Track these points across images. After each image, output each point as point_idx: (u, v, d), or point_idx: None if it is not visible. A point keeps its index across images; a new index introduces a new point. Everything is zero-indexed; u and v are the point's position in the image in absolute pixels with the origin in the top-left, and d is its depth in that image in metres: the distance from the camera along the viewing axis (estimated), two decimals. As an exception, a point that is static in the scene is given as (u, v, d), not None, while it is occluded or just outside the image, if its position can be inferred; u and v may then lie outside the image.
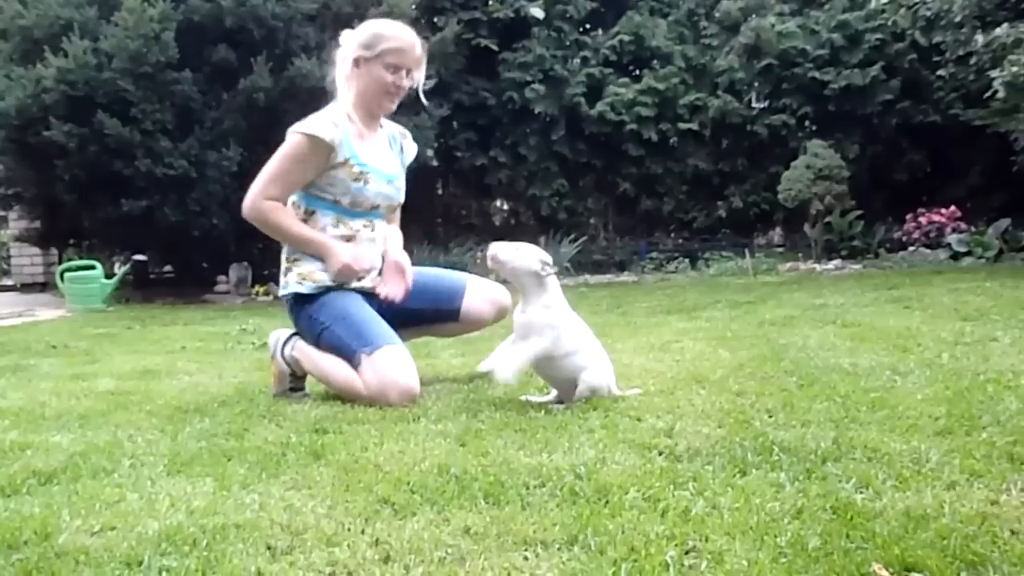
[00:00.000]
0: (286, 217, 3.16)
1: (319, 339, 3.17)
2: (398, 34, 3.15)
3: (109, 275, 9.34)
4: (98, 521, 1.84)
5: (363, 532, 1.74)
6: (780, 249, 12.14)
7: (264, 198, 3.13)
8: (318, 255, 3.16)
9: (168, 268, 11.64)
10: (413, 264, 3.38)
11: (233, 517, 1.83)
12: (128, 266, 10.07)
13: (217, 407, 3.08)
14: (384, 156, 3.33)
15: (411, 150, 3.51)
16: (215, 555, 1.63)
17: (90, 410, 3.11)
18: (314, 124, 3.10)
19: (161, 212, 8.63)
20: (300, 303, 3.22)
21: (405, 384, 2.97)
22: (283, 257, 3.27)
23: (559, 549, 1.62)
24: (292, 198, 3.22)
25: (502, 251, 2.86)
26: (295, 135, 3.11)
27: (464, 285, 3.49)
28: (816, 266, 10.01)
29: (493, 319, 3.51)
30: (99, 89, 8.35)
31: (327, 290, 3.17)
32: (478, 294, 3.48)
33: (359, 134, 3.22)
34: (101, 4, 8.82)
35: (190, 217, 8.76)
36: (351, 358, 3.05)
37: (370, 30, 3.16)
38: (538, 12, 11.47)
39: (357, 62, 3.15)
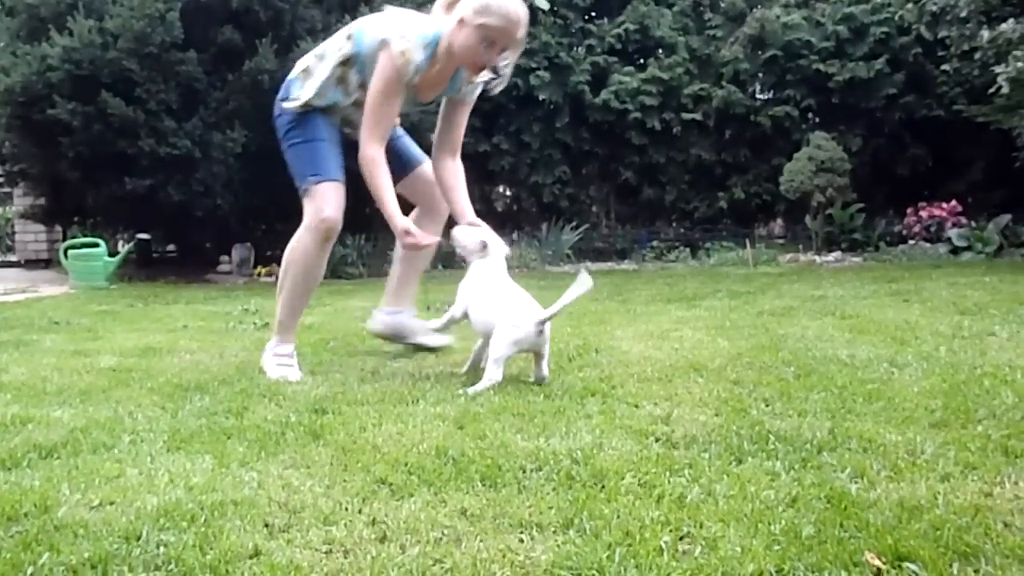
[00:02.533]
0: (383, 179, 3.27)
1: (286, 145, 3.44)
2: (506, 11, 3.14)
3: (113, 253, 9.33)
4: (97, 495, 1.86)
5: (360, 511, 1.75)
6: (781, 240, 12.14)
7: (371, 148, 3.27)
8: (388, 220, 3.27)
9: (171, 247, 11.63)
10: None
11: (231, 494, 1.85)
12: (132, 244, 10.06)
13: (218, 385, 3.10)
14: (431, 92, 3.44)
15: (470, 92, 3.50)
16: (213, 531, 1.64)
17: (91, 386, 3.12)
18: (412, 53, 3.20)
19: (165, 192, 8.61)
20: (286, 110, 3.45)
21: (328, 215, 3.30)
22: (298, 69, 3.47)
23: (554, 532, 1.64)
24: (345, 51, 3.34)
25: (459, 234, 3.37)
26: (392, 71, 3.20)
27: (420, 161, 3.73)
28: (816, 258, 10.01)
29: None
30: (104, 68, 8.31)
31: (311, 109, 3.40)
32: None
33: (432, 69, 3.29)
34: (106, -17, 8.80)
35: (194, 197, 8.74)
36: (300, 182, 3.37)
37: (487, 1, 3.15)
38: (543, 3, 11.43)
39: (461, 21, 3.17)
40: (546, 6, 11.40)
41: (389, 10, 3.38)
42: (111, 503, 1.82)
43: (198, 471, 2.03)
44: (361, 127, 3.29)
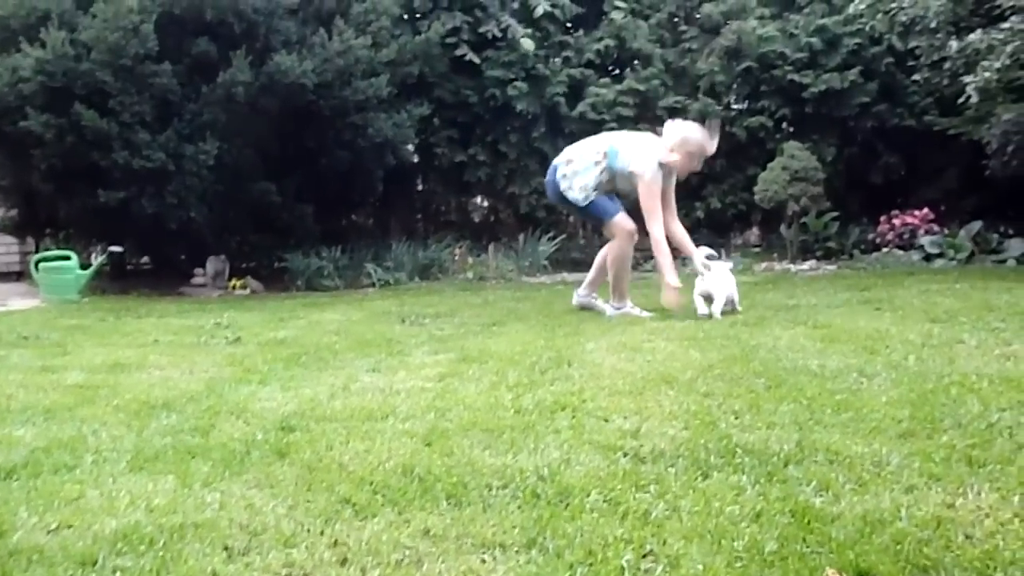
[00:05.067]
0: (667, 255, 5.30)
1: (588, 208, 5.52)
2: (699, 140, 5.47)
3: (85, 265, 9.24)
4: (55, 519, 1.83)
5: (322, 533, 1.74)
6: (757, 249, 12.18)
7: (656, 230, 5.29)
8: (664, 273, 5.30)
9: (145, 260, 11.53)
10: None
11: (192, 516, 1.83)
12: (104, 257, 9.97)
13: (185, 402, 3.07)
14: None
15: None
16: (171, 555, 1.62)
17: (56, 404, 3.09)
18: (656, 177, 5.33)
19: (138, 204, 8.55)
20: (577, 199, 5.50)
21: (629, 227, 5.47)
22: (562, 173, 5.55)
23: (517, 552, 1.63)
24: (602, 164, 5.46)
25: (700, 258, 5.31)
26: (654, 173, 5.32)
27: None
28: (791, 266, 10.05)
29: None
30: (77, 80, 8.25)
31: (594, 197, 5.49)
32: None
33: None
34: (79, -6, 8.74)
35: (167, 209, 8.67)
36: (605, 219, 5.53)
37: (683, 134, 5.44)
38: (528, 44, 11.44)
39: (672, 150, 5.39)
40: (531, 46, 11.44)
41: (629, 136, 5.61)
42: (69, 527, 1.79)
43: (160, 492, 2.01)
44: (647, 220, 5.28)
